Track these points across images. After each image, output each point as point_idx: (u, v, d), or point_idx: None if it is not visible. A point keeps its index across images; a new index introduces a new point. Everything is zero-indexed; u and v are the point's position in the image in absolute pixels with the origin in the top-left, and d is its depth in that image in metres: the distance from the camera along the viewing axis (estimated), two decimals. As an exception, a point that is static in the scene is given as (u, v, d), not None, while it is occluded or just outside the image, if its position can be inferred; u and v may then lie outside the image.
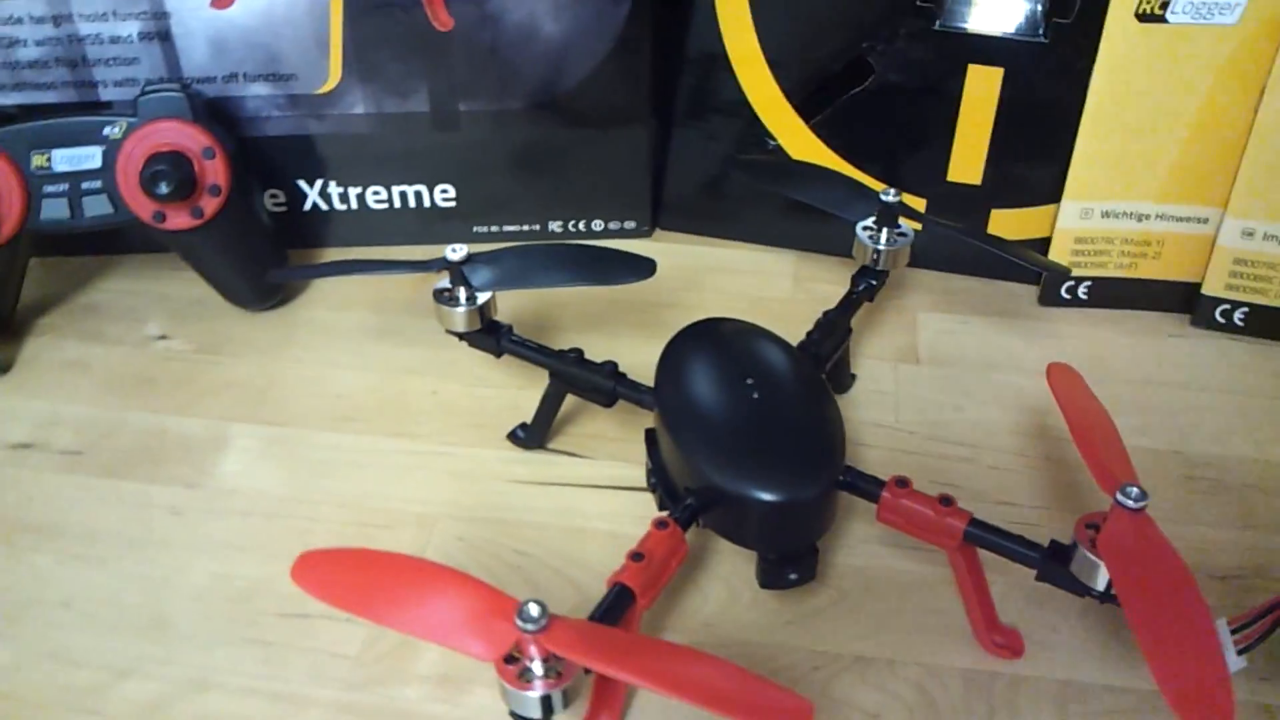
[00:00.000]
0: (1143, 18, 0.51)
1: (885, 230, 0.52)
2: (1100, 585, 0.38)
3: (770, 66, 0.59)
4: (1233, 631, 0.40)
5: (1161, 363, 0.57)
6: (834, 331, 0.50)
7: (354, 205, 0.62)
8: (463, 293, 0.48)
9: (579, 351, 0.48)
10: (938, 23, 0.56)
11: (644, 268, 0.48)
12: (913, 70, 0.57)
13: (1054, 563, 0.40)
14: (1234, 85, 0.52)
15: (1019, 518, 0.48)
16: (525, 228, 0.64)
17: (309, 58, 0.57)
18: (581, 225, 0.64)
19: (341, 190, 0.62)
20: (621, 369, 0.47)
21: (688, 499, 0.41)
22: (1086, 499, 0.49)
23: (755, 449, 0.41)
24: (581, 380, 0.48)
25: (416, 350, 0.58)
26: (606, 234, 0.64)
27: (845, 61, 0.58)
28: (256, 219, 0.59)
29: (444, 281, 0.49)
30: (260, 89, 0.58)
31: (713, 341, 0.46)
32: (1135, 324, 0.59)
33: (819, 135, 0.60)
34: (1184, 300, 0.58)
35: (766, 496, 0.40)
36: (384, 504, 0.49)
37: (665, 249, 0.64)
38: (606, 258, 0.49)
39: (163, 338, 0.59)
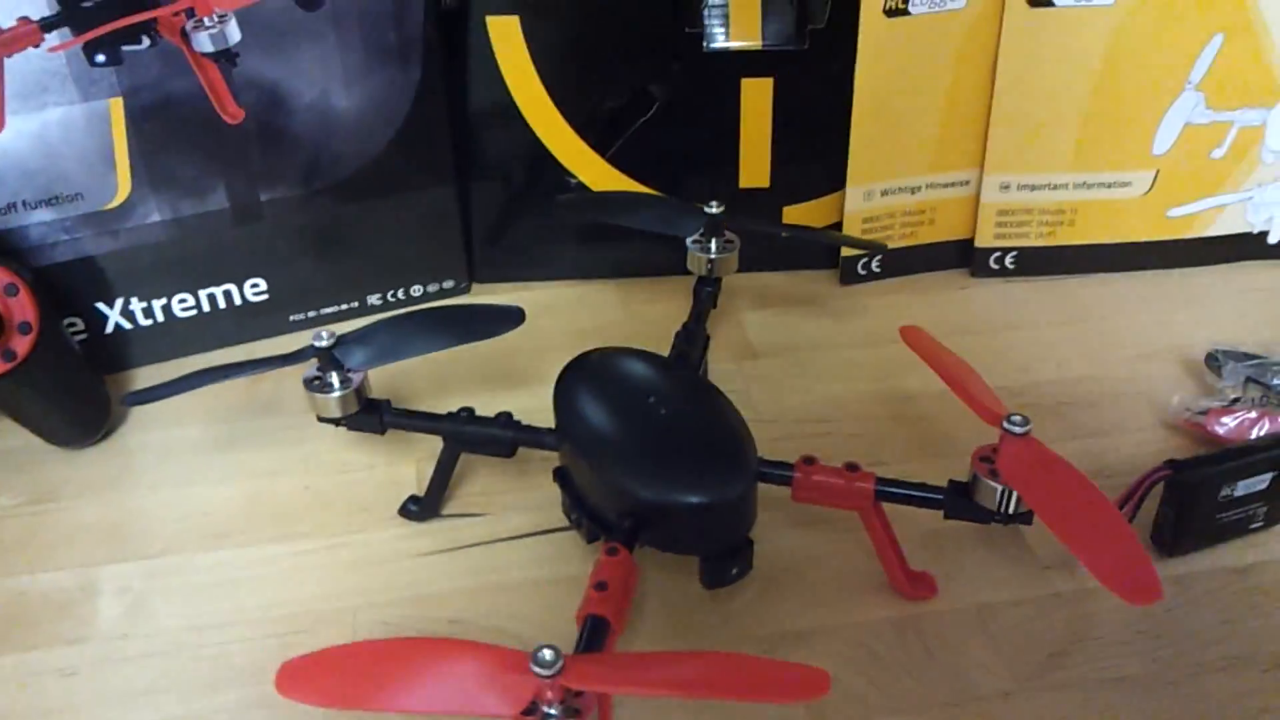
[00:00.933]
0: (889, 13, 0.57)
1: (714, 240, 0.55)
2: (1009, 508, 0.43)
3: (559, 109, 0.61)
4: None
5: (956, 313, 0.63)
6: (696, 340, 0.53)
7: (160, 318, 0.60)
8: (335, 377, 0.48)
9: (470, 410, 0.48)
10: (705, 45, 0.60)
11: (513, 316, 0.50)
12: (692, 92, 0.61)
13: (959, 498, 0.45)
14: (971, 62, 0.59)
15: (893, 473, 0.53)
16: (344, 307, 0.63)
17: (94, 174, 0.54)
18: (400, 294, 0.64)
19: (145, 305, 0.59)
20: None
21: (624, 521, 0.43)
22: (942, 445, 0.55)
23: (678, 459, 0.43)
24: (478, 437, 0.48)
25: (271, 451, 0.56)
26: (425, 297, 0.65)
27: (629, 94, 0.61)
28: (71, 349, 0.55)
29: (312, 370, 0.48)
30: (44, 215, 0.54)
31: (602, 369, 0.48)
32: (925, 285, 0.66)
33: (616, 166, 0.63)
34: (961, 256, 0.66)
35: (702, 500, 0.42)
36: (295, 610, 0.48)
37: (493, 300, 0.65)
38: (474, 314, 0.50)
39: (-17, 498, 0.54)
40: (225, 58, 0.54)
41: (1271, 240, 0.65)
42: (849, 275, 0.65)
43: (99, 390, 0.56)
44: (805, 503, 0.46)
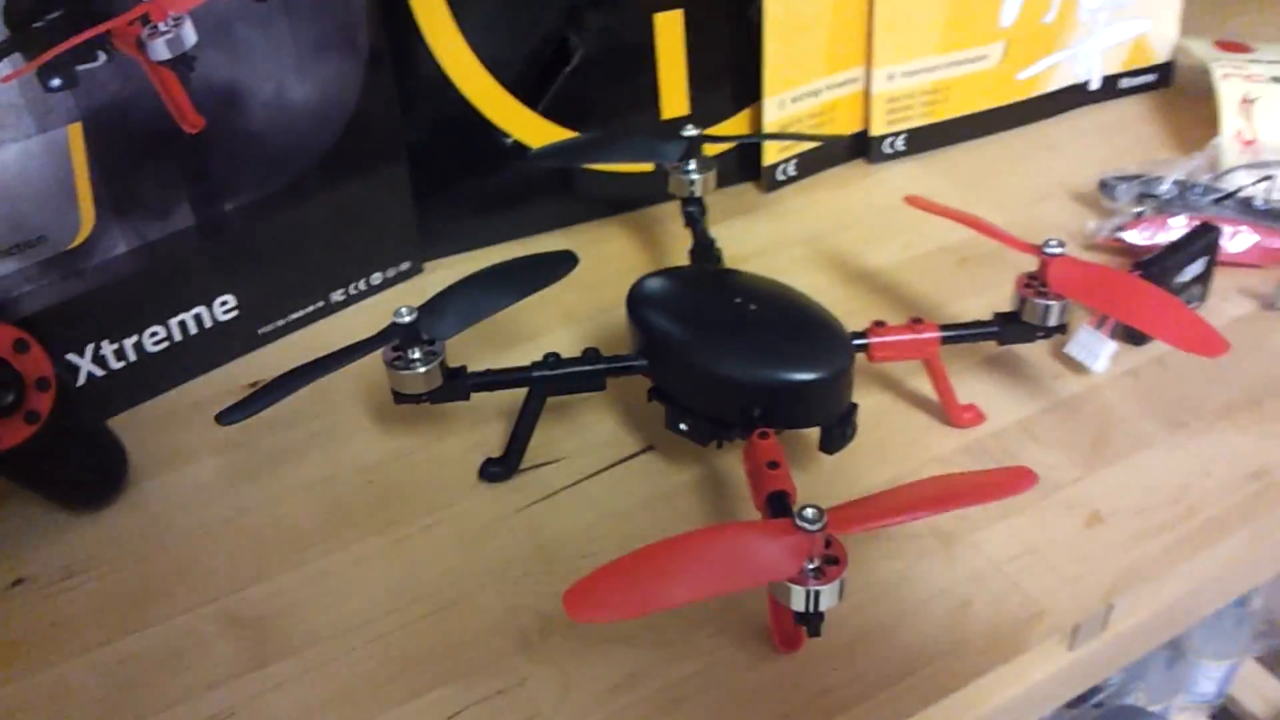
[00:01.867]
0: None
1: (694, 161, 0.59)
2: (1053, 320, 0.50)
3: (489, 70, 0.62)
4: (1095, 326, 0.55)
5: (872, 195, 0.70)
6: (713, 252, 0.57)
7: (132, 357, 0.56)
8: (418, 351, 0.48)
9: (555, 354, 0.50)
10: (617, -12, 0.63)
11: (567, 262, 0.51)
12: (609, 35, 0.64)
13: (1010, 325, 0.51)
14: (851, -31, 0.66)
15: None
16: (310, 309, 0.61)
17: (56, 211, 0.50)
18: (361, 284, 0.63)
19: (117, 347, 0.55)
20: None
21: (754, 410, 0.46)
22: (925, 303, 0.61)
23: (792, 344, 0.47)
24: (571, 380, 0.50)
25: (310, 459, 0.54)
26: (385, 284, 0.64)
27: (553, 46, 0.63)
28: (78, 398, 0.51)
29: (389, 350, 0.48)
30: (6, 268, 0.50)
31: (672, 288, 0.51)
32: (836, 179, 0.72)
33: (549, 118, 0.65)
34: (858, 147, 0.72)
35: (824, 374, 0.46)
36: (427, 589, 0.47)
37: (447, 275, 0.64)
38: (531, 265, 0.51)
39: (17, 583, 0.49)
40: (182, 63, 0.51)
41: (1092, 87, 0.77)
42: (771, 183, 0.70)
43: (114, 438, 0.53)
44: (882, 361, 0.51)
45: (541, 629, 0.45)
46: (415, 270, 0.65)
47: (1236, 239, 0.61)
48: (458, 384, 0.49)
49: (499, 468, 0.52)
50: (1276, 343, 0.57)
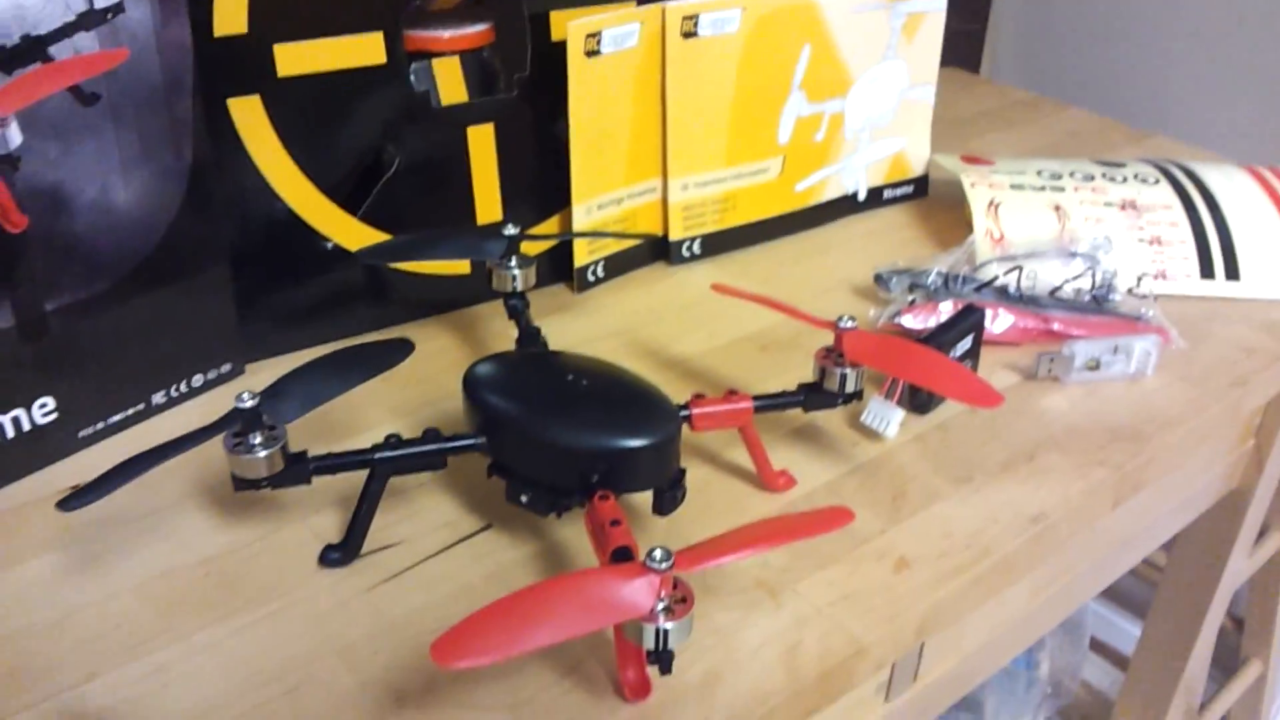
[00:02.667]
0: (588, 54, 0.68)
1: (514, 258, 0.62)
2: (850, 387, 0.56)
3: (310, 179, 0.64)
4: (884, 396, 0.61)
5: (672, 293, 0.76)
6: (537, 337, 0.60)
7: (-59, 467, 0.54)
8: (259, 436, 0.49)
9: (396, 435, 0.51)
10: (433, 103, 0.67)
11: (404, 347, 0.53)
12: (427, 146, 0.67)
13: (813, 393, 0.57)
14: (644, 91, 0.72)
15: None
16: (130, 412, 0.61)
17: None
18: (183, 386, 0.63)
19: (-77, 455, 0.53)
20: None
21: (592, 477, 0.49)
22: (732, 383, 0.66)
23: (626, 414, 0.51)
24: (413, 459, 0.51)
25: (142, 553, 0.53)
26: (206, 386, 0.64)
27: (372, 155, 0.66)
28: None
29: (230, 436, 0.48)
30: None
31: (507, 370, 0.53)
32: (641, 279, 0.77)
33: (369, 223, 0.67)
34: (658, 250, 0.78)
35: (658, 439, 0.50)
36: (274, 674, 0.47)
37: (268, 377, 0.64)
38: (368, 353, 0.53)
39: None
40: (7, 163, 0.51)
41: (860, 198, 0.86)
42: (583, 283, 0.75)
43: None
44: (703, 430, 0.55)
45: (397, 701, 0.46)
46: (237, 372, 0.65)
47: (997, 321, 0.69)
48: (300, 467, 0.50)
49: (339, 553, 0.53)
50: (1040, 406, 0.65)
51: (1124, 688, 1.06)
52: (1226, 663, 1.44)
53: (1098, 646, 1.38)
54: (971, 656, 0.66)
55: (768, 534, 0.44)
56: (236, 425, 0.48)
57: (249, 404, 0.48)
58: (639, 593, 0.40)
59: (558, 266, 0.75)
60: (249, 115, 0.62)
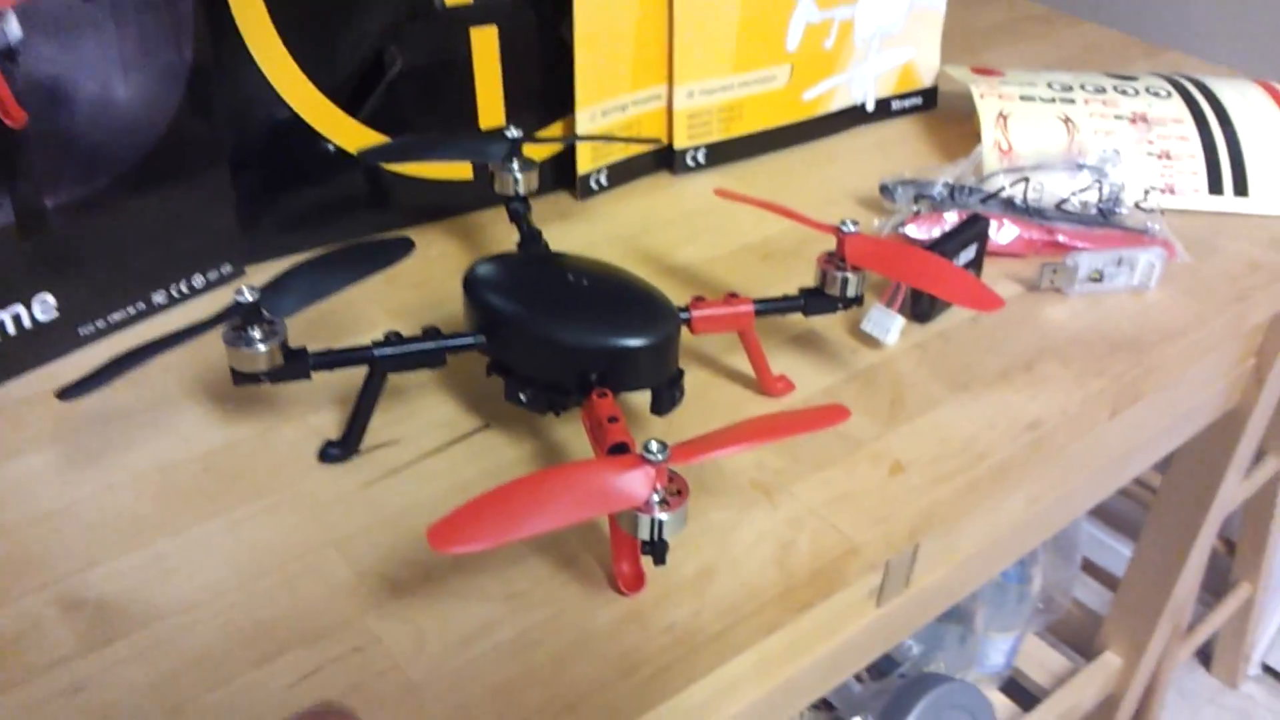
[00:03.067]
0: (592, -45, 0.67)
1: (516, 161, 0.62)
2: (852, 292, 0.56)
3: (310, 78, 0.64)
4: (886, 304, 0.61)
5: (678, 203, 0.75)
6: (539, 239, 0.60)
7: (-57, 360, 0.54)
8: (259, 330, 0.49)
9: (396, 333, 0.51)
10: (436, 3, 0.66)
11: (405, 245, 0.53)
12: (429, 47, 0.67)
13: (814, 297, 0.56)
14: (652, -9, 0.71)
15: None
16: (131, 310, 0.61)
17: None
18: (183, 287, 0.63)
19: (-74, 347, 0.53)
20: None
21: (591, 375, 0.50)
22: (745, 288, 0.66)
23: (624, 313, 0.51)
24: (413, 357, 0.51)
25: (141, 448, 0.53)
26: (207, 287, 0.64)
27: (373, 56, 0.65)
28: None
29: (229, 328, 0.48)
30: None
31: (508, 270, 0.53)
32: (644, 188, 0.77)
33: (370, 126, 0.66)
34: (662, 159, 0.77)
35: (656, 338, 0.50)
36: (271, 564, 0.48)
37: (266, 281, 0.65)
38: (369, 249, 0.53)
39: None
40: (6, 58, 0.51)
41: (868, 109, 0.85)
42: (585, 191, 0.74)
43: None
44: (703, 332, 0.55)
45: (393, 590, 0.47)
46: (238, 274, 0.65)
47: (1002, 232, 0.69)
48: (299, 362, 0.50)
49: (338, 449, 0.53)
50: (1040, 317, 0.65)
51: (1112, 606, 1.07)
52: (1216, 586, 1.45)
53: (1089, 568, 1.40)
54: (964, 564, 0.66)
55: (764, 429, 0.44)
56: (236, 319, 0.48)
57: (248, 297, 0.48)
58: (635, 483, 0.41)
59: (561, 174, 0.75)
60: (251, 14, 0.61)
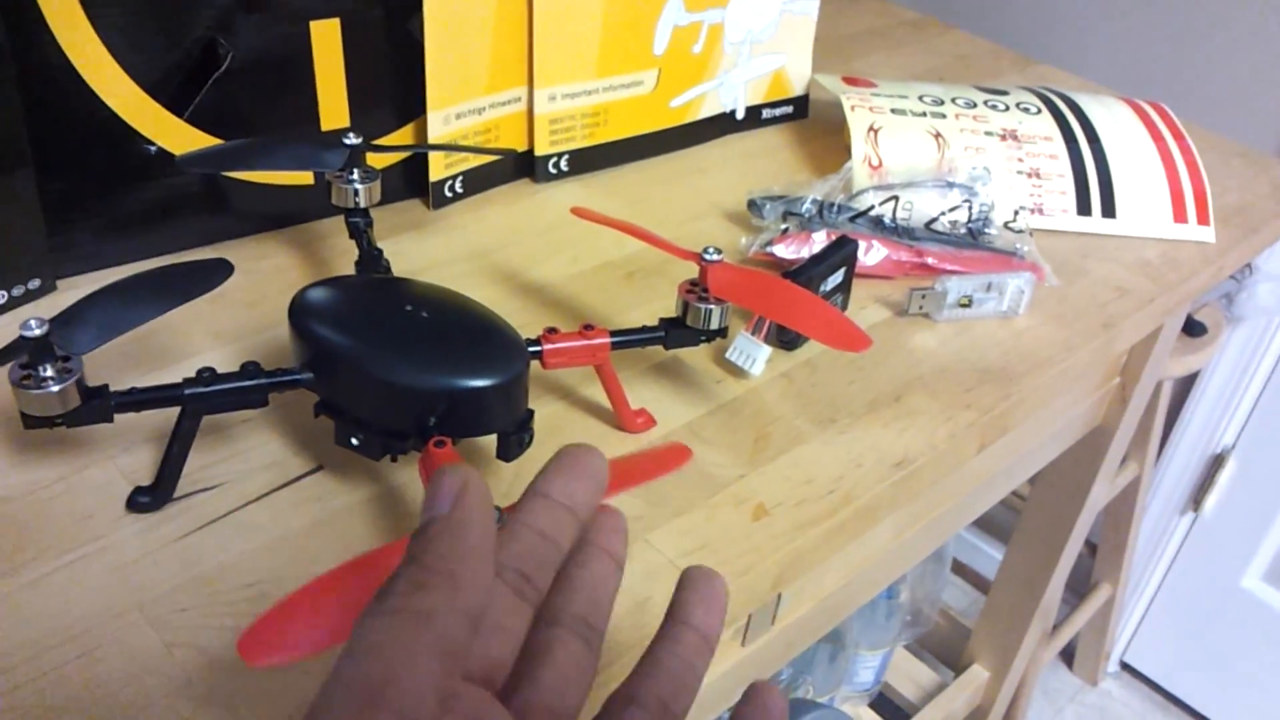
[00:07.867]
0: (443, -52, 0.62)
1: (357, 171, 0.57)
2: (715, 324, 0.53)
3: (128, 71, 0.57)
4: (751, 332, 0.58)
5: (537, 213, 0.71)
6: (378, 260, 0.55)
7: None
8: (50, 369, 0.43)
9: (210, 369, 0.46)
10: (269, -8, 0.60)
11: (222, 269, 0.48)
12: (262, 40, 0.61)
13: (675, 329, 0.53)
14: (511, -12, 0.67)
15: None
16: (-84, 332, 0.54)
17: None
18: (-19, 305, 0.56)
19: None
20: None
21: (428, 419, 0.45)
22: (606, 311, 0.62)
23: (466, 351, 0.47)
24: (229, 396, 0.46)
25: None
26: (11, 303, 0.57)
27: (201, 49, 0.59)
28: None
29: (16, 367, 0.43)
30: None
31: (338, 296, 0.48)
32: (503, 196, 0.72)
33: (196, 125, 0.61)
34: (523, 166, 0.73)
35: (500, 380, 0.46)
36: (73, 632, 0.42)
37: (84, 294, 0.59)
38: (181, 273, 0.47)
39: None
40: None
41: (738, 117, 0.82)
42: (439, 199, 0.69)
43: None
44: (555, 367, 0.51)
45: (206, 666, 0.42)
46: (48, 288, 0.59)
47: (870, 253, 0.67)
48: (99, 403, 0.45)
49: (148, 497, 0.48)
50: (910, 344, 0.63)
51: (981, 616, 1.08)
52: (1078, 586, 1.49)
53: (959, 569, 1.41)
54: (830, 598, 0.64)
55: (617, 479, 0.40)
56: (23, 356, 0.43)
57: (36, 332, 0.42)
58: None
59: (412, 180, 0.70)
60: (55, -1, 0.54)
